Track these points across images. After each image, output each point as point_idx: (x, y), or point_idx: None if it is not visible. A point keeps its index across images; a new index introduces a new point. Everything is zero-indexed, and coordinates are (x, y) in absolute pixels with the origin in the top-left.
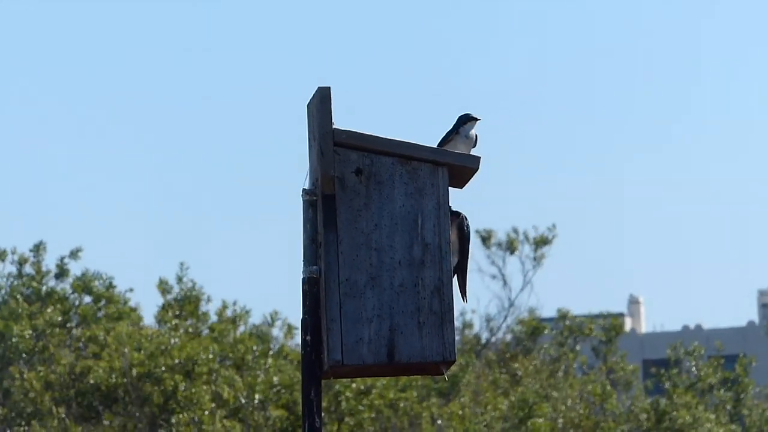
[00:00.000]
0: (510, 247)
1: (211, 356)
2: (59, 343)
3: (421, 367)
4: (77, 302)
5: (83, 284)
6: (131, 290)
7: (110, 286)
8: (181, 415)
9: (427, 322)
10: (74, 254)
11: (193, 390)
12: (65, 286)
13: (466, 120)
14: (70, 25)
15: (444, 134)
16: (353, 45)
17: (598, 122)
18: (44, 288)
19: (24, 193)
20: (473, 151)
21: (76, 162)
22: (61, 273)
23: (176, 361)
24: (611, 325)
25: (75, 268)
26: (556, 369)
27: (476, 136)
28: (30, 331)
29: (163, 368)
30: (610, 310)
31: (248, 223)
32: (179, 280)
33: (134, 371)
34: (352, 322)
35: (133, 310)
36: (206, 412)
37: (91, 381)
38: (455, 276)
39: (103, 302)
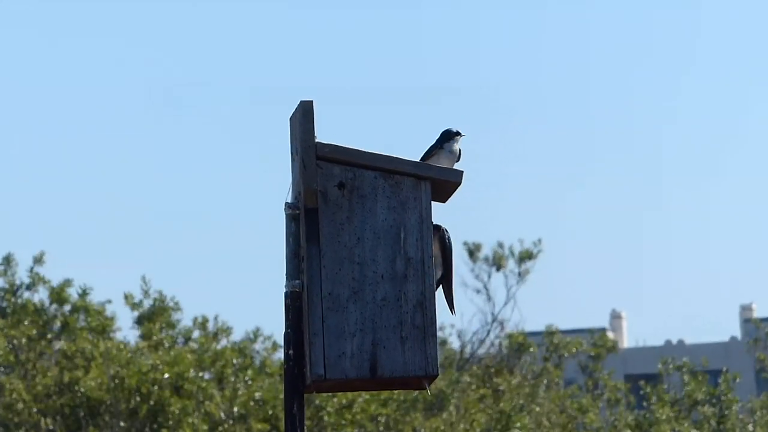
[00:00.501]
0: (497, 263)
1: (200, 374)
2: (38, 357)
3: (403, 381)
4: (56, 313)
5: (57, 294)
6: (109, 302)
7: (84, 293)
8: None
9: (409, 336)
10: (38, 260)
11: (181, 407)
12: (42, 298)
13: (449, 135)
14: (47, 23)
15: (427, 149)
16: (336, 58)
17: (582, 136)
18: (19, 300)
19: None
20: (456, 166)
21: (50, 170)
22: (33, 283)
23: (165, 376)
24: (601, 341)
25: (47, 274)
26: (537, 384)
27: (460, 150)
28: (6, 345)
29: (153, 384)
30: (593, 325)
31: (230, 236)
32: (145, 293)
33: (125, 383)
34: (334, 336)
35: (109, 319)
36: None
37: (80, 392)
38: (441, 288)
39: (80, 313)
